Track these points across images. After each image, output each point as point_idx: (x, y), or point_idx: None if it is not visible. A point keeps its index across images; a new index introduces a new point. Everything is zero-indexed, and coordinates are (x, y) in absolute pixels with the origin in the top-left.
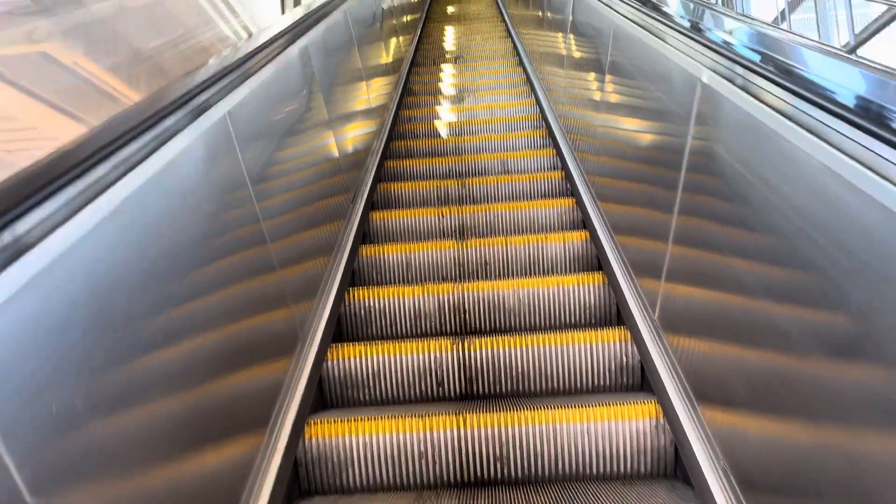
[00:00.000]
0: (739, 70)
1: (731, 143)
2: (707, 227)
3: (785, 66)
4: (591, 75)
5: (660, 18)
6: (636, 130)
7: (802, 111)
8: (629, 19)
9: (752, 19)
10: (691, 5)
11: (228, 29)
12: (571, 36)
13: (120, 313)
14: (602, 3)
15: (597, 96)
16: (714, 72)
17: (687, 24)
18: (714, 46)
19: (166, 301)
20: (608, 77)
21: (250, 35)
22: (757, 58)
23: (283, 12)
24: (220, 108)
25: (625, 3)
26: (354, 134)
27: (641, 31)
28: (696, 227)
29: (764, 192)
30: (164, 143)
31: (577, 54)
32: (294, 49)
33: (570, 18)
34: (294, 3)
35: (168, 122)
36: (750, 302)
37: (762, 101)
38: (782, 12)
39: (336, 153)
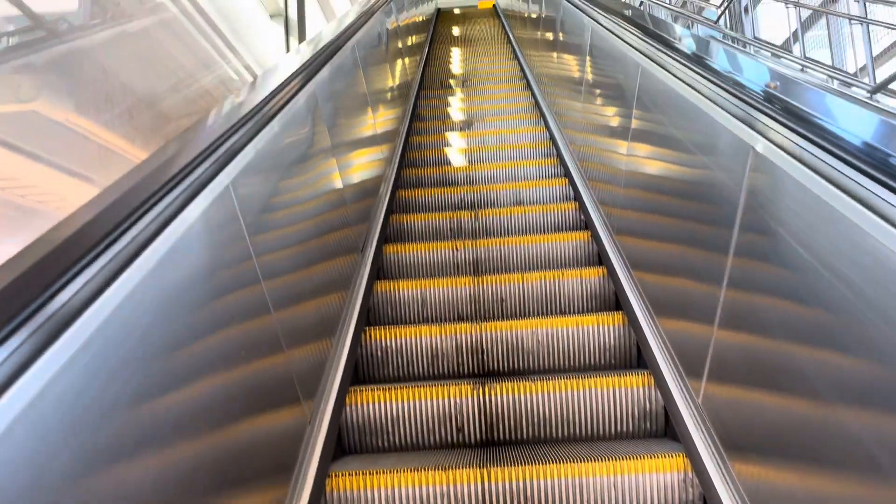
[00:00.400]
0: (802, 142)
1: (794, 223)
2: (755, 291)
3: (860, 143)
4: (610, 111)
5: (700, 71)
6: (665, 175)
7: (881, 197)
8: (659, 64)
9: (818, 76)
10: (736, 57)
11: (231, 71)
12: (589, 67)
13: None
14: (625, 41)
15: (617, 133)
16: (770, 141)
17: (735, 82)
18: (771, 112)
19: (176, 381)
20: (634, 115)
21: (254, 84)
22: (826, 129)
23: (287, 49)
24: (221, 179)
25: (652, 45)
26: (365, 170)
27: (677, 81)
28: (743, 292)
29: (823, 275)
30: (160, 230)
31: (594, 87)
32: (301, 98)
33: (588, 48)
34: (299, 39)
35: (165, 202)
36: (785, 355)
37: (832, 182)
38: (794, 32)
39: (348, 194)
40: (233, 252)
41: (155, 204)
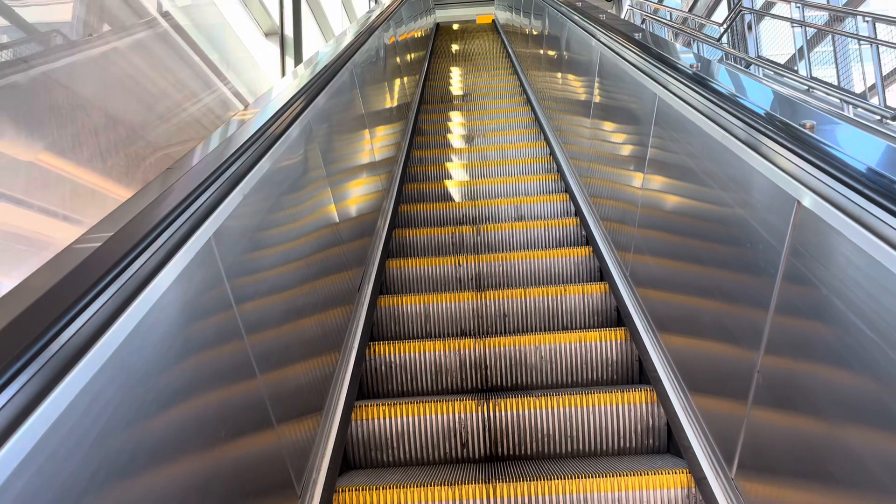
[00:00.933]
0: (859, 199)
1: (850, 291)
2: (793, 348)
3: None
4: (619, 134)
5: (732, 109)
6: (681, 205)
7: None
8: (683, 100)
9: (828, 99)
10: (778, 98)
11: (218, 103)
12: (596, 89)
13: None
14: (638, 69)
15: (626, 156)
16: (819, 195)
17: (777, 125)
18: (821, 164)
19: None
20: (651, 143)
21: (242, 117)
22: (890, 186)
23: (283, 71)
24: (204, 231)
25: (674, 78)
26: (365, 188)
27: (703, 119)
28: (780, 348)
29: (881, 348)
30: (126, 304)
31: (601, 109)
32: (294, 130)
33: (596, 71)
34: (295, 59)
35: (137, 265)
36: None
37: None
38: (800, 49)
39: (347, 215)
40: (216, 310)
41: (120, 273)
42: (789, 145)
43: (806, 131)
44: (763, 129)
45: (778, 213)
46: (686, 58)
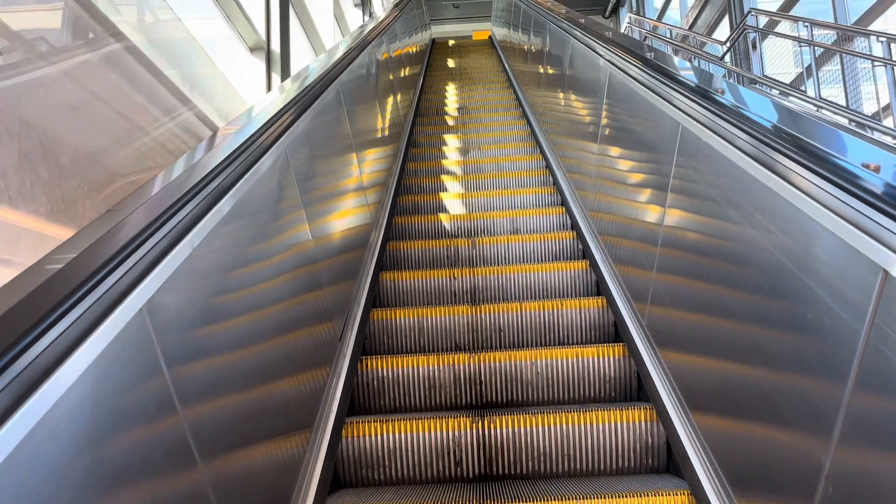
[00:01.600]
0: None
1: None
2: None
3: None
4: (625, 153)
5: (789, 151)
6: (706, 234)
7: None
8: (720, 135)
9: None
10: (849, 142)
11: (166, 134)
12: (604, 109)
13: None
14: (656, 93)
15: (636, 176)
16: None
17: (851, 179)
18: None
19: None
20: (675, 169)
21: (210, 143)
22: None
23: (268, 87)
24: (133, 302)
25: (704, 107)
26: (353, 207)
27: (744, 156)
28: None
29: None
30: (34, 388)
31: (607, 128)
32: (266, 162)
33: (605, 90)
34: (282, 75)
35: (39, 345)
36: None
37: None
38: (808, 68)
39: (332, 235)
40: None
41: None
42: (869, 199)
43: (890, 183)
44: (835, 180)
45: (856, 283)
46: (714, 84)
